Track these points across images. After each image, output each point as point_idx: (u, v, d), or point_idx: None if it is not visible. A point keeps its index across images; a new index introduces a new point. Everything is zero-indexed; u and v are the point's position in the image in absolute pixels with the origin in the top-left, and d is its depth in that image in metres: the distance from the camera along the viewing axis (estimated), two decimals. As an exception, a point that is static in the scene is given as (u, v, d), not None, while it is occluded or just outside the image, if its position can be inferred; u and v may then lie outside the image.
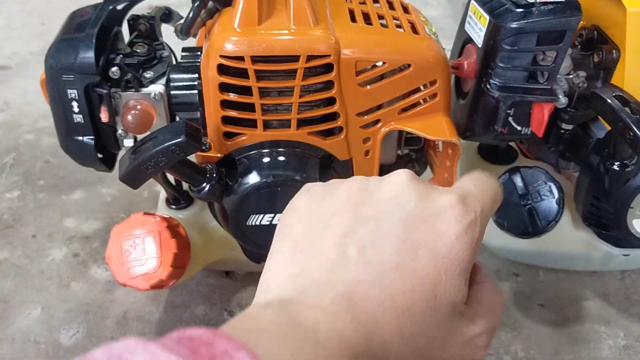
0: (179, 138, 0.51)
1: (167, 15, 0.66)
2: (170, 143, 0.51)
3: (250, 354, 0.23)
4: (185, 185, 0.68)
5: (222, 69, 0.52)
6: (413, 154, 0.68)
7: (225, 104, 0.55)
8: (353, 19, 0.57)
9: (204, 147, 0.54)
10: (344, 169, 0.60)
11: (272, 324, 0.29)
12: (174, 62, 0.62)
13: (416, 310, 0.31)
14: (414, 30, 0.58)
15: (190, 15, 0.54)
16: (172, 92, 0.58)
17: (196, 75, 0.58)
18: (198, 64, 0.59)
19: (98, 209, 0.82)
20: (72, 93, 0.56)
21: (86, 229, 0.79)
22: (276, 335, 0.28)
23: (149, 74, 0.58)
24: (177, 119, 0.60)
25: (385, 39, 0.55)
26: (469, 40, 0.63)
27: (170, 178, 0.65)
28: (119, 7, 0.60)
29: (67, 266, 0.74)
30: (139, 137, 0.60)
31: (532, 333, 0.70)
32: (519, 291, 0.75)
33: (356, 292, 0.31)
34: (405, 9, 0.62)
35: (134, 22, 0.62)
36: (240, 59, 0.52)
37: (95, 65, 0.54)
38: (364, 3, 0.60)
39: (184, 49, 0.62)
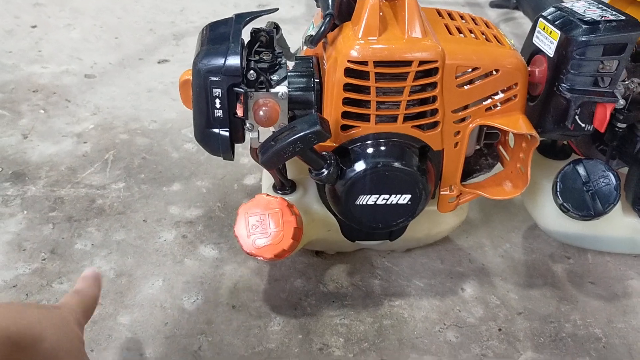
0: (315, 127, 0.62)
1: (277, 29, 0.77)
2: (308, 132, 0.62)
3: None
4: (290, 174, 0.79)
5: (348, 72, 0.64)
6: (485, 149, 0.79)
7: (345, 101, 0.66)
8: (449, 32, 0.68)
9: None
10: (436, 158, 0.71)
11: None
12: (290, 68, 0.73)
13: None
14: (499, 42, 0.69)
15: (322, 28, 0.65)
16: (293, 93, 0.69)
17: (312, 79, 0.69)
18: (312, 70, 0.70)
19: (196, 198, 0.93)
20: (217, 92, 0.66)
21: (189, 215, 0.89)
22: None
23: (275, 77, 0.69)
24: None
25: (478, 48, 0.67)
26: (537, 51, 0.74)
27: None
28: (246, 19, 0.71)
29: (178, 246, 0.84)
30: (261, 131, 0.71)
31: (586, 306, 0.80)
32: (571, 271, 0.85)
33: None
34: (487, 24, 0.73)
35: (256, 34, 0.73)
36: (365, 63, 0.63)
37: (240, 69, 0.65)
38: (454, 19, 0.72)
39: (297, 58, 0.73)
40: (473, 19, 0.74)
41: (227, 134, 0.69)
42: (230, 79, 0.66)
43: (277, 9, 0.75)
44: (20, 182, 0.92)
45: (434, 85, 0.66)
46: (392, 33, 0.65)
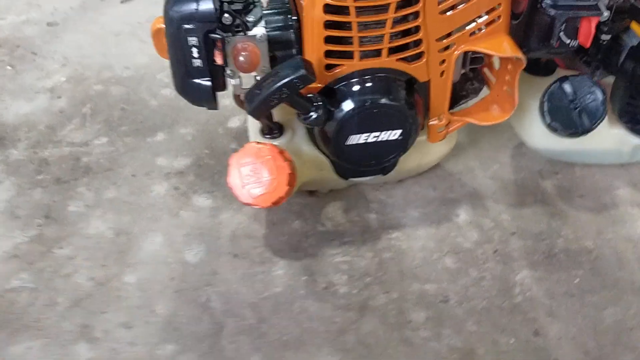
0: (300, 72, 0.61)
1: None
2: (292, 77, 0.61)
3: None
4: (276, 117, 0.78)
5: (327, 8, 0.61)
6: (471, 73, 0.78)
7: (327, 40, 0.64)
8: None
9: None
10: (423, 89, 0.70)
11: None
12: (265, 5, 0.70)
13: None
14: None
15: None
16: (271, 33, 0.67)
17: (290, 17, 0.67)
18: (288, 6, 0.67)
19: (182, 147, 0.92)
20: (192, 40, 0.64)
21: (177, 165, 0.89)
22: None
23: (251, 18, 0.66)
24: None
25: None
26: (520, -33, 0.72)
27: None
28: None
29: (171, 198, 0.84)
30: (243, 76, 0.69)
31: (576, 220, 0.83)
32: (560, 186, 0.87)
33: None
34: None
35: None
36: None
37: (215, 13, 0.62)
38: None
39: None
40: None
41: (208, 83, 0.67)
42: (205, 25, 0.63)
43: None
44: (1, 147, 0.90)
45: (416, 14, 0.64)
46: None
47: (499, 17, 0.67)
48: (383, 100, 0.67)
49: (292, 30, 0.67)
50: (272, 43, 0.67)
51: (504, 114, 0.74)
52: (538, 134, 0.83)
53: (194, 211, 0.82)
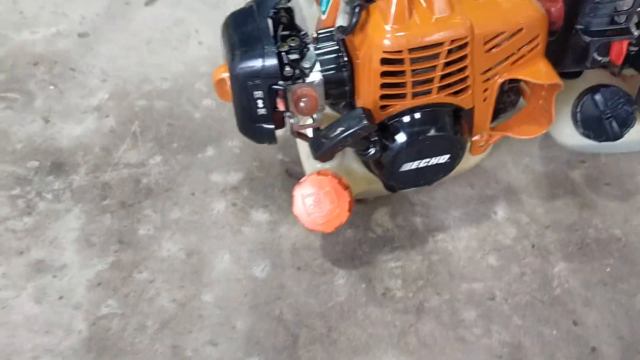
0: (363, 123, 0.66)
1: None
2: (357, 128, 0.67)
3: None
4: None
5: (383, 61, 0.66)
6: (506, 85, 0.83)
7: (383, 85, 0.69)
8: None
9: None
10: (468, 114, 0.76)
11: None
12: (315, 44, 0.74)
13: None
14: (520, -4, 0.70)
15: (354, 20, 0.66)
16: (326, 75, 0.72)
17: (341, 56, 0.71)
18: (337, 47, 0.72)
19: (232, 161, 0.98)
20: (258, 94, 0.69)
21: (231, 181, 0.95)
22: None
23: (307, 64, 0.71)
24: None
25: (503, 11, 0.68)
26: (553, -12, 0.76)
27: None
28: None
29: (231, 215, 0.91)
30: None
31: (605, 209, 0.90)
32: (587, 175, 0.94)
33: None
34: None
35: (277, 15, 0.73)
36: (399, 52, 0.65)
37: (279, 69, 0.67)
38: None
39: (319, 34, 0.74)
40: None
41: (272, 127, 0.73)
42: (270, 80, 0.68)
43: None
44: (63, 174, 0.96)
45: (464, 57, 0.68)
46: (420, 14, 0.66)
47: (537, 44, 0.72)
48: (433, 132, 0.73)
49: (344, 71, 0.71)
50: (328, 83, 0.72)
51: (541, 127, 0.79)
52: (567, 133, 0.89)
53: (253, 226, 0.90)
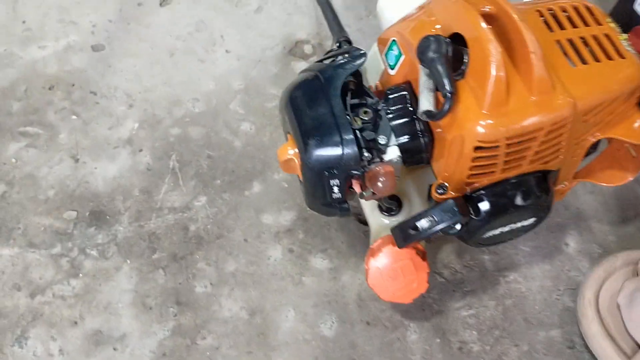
0: (456, 217, 0.61)
1: (355, 50, 0.68)
2: (449, 223, 0.61)
3: None
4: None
5: (477, 148, 0.59)
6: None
7: (472, 167, 0.62)
8: (566, 54, 0.61)
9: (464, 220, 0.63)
10: (555, 174, 0.70)
11: None
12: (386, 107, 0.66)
13: None
14: (619, 53, 0.62)
15: (446, 107, 0.58)
16: (402, 144, 0.65)
17: (415, 123, 0.65)
18: (410, 108, 0.65)
19: (281, 197, 0.92)
20: (334, 182, 0.63)
21: (284, 221, 0.90)
22: None
23: (382, 140, 0.64)
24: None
25: (603, 79, 0.61)
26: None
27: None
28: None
29: (289, 263, 0.86)
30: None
31: None
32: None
33: None
34: (594, 17, 0.65)
35: (345, 84, 0.65)
36: (495, 141, 0.58)
37: (359, 158, 0.61)
38: (563, 27, 0.64)
39: (389, 94, 0.67)
40: (577, 10, 0.65)
41: (346, 205, 0.67)
42: (348, 167, 0.62)
43: (364, 55, 0.66)
44: (105, 224, 0.90)
45: (562, 133, 0.62)
46: (517, 93, 0.58)
47: (631, 99, 0.65)
48: (519, 202, 0.67)
49: (422, 137, 0.65)
50: (404, 152, 0.66)
51: (627, 174, 0.74)
52: None
53: (314, 275, 0.85)
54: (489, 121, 0.57)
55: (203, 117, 1.00)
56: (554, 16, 0.65)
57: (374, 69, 0.73)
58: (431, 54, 0.57)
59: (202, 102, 1.01)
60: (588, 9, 0.66)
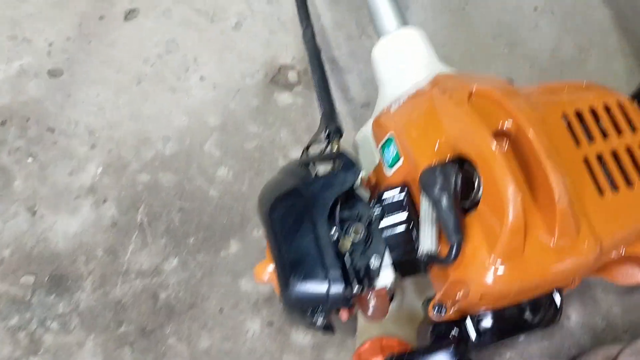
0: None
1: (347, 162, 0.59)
2: (448, 366, 0.54)
3: None
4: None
5: (482, 296, 0.52)
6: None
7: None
8: (594, 180, 0.53)
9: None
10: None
11: None
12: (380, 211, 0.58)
13: None
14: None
15: (454, 254, 0.50)
16: (397, 258, 0.57)
17: (414, 237, 0.56)
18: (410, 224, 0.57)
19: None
20: (318, 316, 0.55)
21: (263, 290, 0.82)
22: None
23: (375, 261, 0.56)
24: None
25: (635, 212, 0.52)
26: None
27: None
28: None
29: (269, 339, 0.80)
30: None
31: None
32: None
33: None
34: (630, 121, 0.56)
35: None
36: (506, 294, 0.51)
37: (347, 296, 0.53)
38: (592, 137, 0.54)
39: (384, 200, 0.58)
40: (608, 111, 0.56)
41: (332, 330, 0.59)
42: (334, 305, 0.54)
43: (358, 172, 0.56)
44: (66, 292, 0.82)
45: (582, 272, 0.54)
46: (535, 237, 0.50)
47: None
48: (527, 318, 0.60)
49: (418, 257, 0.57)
50: (400, 264, 0.58)
51: (644, 272, 0.66)
52: None
53: (297, 354, 0.79)
54: (500, 271, 0.49)
55: (175, 160, 0.90)
56: (581, 120, 0.55)
57: (367, 155, 0.64)
58: (437, 192, 0.48)
59: (174, 142, 0.91)
60: (621, 107, 0.56)
